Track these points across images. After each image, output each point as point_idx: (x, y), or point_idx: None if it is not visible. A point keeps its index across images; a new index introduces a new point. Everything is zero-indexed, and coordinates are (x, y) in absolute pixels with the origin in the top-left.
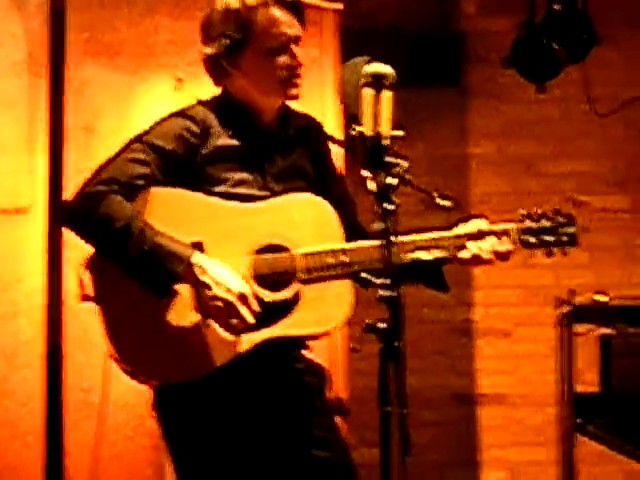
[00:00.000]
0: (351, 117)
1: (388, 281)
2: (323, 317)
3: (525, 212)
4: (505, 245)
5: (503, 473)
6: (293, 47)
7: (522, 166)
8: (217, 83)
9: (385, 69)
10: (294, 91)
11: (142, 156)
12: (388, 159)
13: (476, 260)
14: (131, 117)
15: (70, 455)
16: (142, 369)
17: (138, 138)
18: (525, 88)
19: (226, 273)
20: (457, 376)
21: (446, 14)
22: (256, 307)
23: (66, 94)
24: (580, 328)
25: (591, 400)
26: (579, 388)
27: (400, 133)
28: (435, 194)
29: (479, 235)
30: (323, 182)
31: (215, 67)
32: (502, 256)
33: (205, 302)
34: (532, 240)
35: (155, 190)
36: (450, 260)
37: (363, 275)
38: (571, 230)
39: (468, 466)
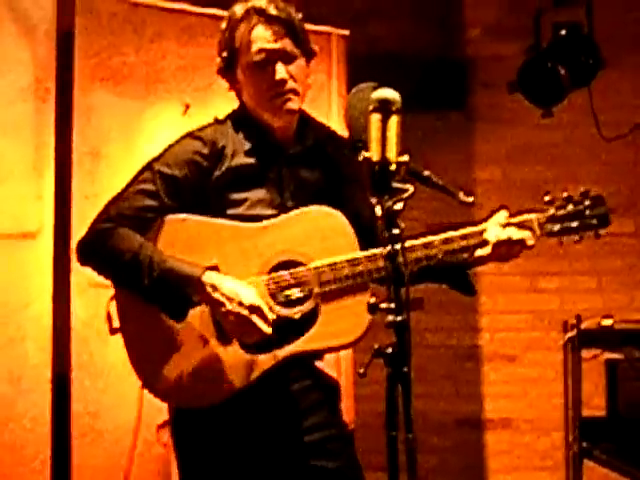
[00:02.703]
0: (358, 142)
1: (394, 305)
2: (343, 329)
3: (549, 198)
4: (522, 234)
5: None
6: (278, 62)
7: (528, 191)
8: (237, 96)
9: (392, 95)
10: (288, 105)
11: (151, 187)
12: (395, 184)
13: (495, 254)
14: (138, 142)
15: None
16: (168, 395)
17: (148, 166)
18: (531, 113)
19: (237, 287)
20: (464, 401)
21: (452, 39)
22: (271, 316)
23: (73, 119)
24: (586, 353)
25: (598, 424)
26: (586, 412)
27: (405, 159)
28: (457, 191)
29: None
30: (341, 193)
31: (228, 82)
32: (523, 246)
33: (221, 319)
34: (556, 228)
35: (168, 218)
36: (473, 263)
37: (371, 301)
38: (602, 211)
39: None
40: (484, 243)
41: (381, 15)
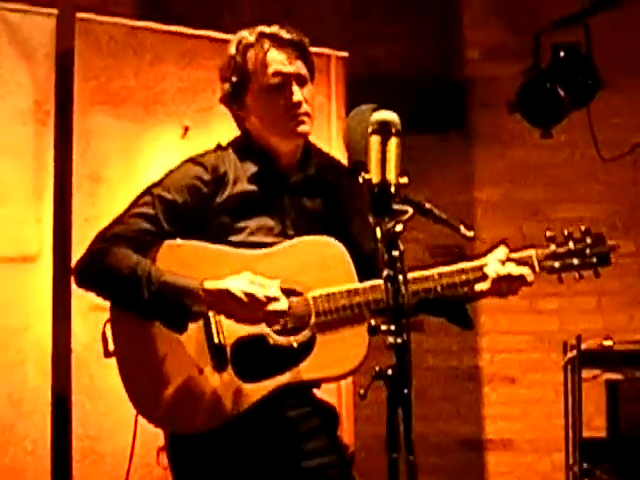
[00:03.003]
0: (358, 164)
1: (394, 327)
2: (339, 359)
3: (551, 234)
4: (522, 270)
5: None
6: (293, 84)
7: (528, 211)
8: (238, 125)
9: (392, 116)
10: (302, 128)
11: (150, 211)
12: (395, 206)
13: (494, 289)
14: (138, 165)
15: None
16: (163, 421)
17: (148, 190)
18: (530, 133)
19: (230, 282)
20: (464, 422)
21: (451, 60)
22: (276, 292)
23: (73, 142)
24: (587, 373)
25: (598, 445)
26: (586, 433)
27: (404, 181)
28: (458, 224)
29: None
30: (342, 222)
31: (231, 108)
32: (522, 283)
33: (233, 316)
34: (556, 265)
35: (165, 244)
36: (472, 297)
37: (372, 323)
38: (602, 250)
39: None
40: (484, 277)
41: (380, 37)
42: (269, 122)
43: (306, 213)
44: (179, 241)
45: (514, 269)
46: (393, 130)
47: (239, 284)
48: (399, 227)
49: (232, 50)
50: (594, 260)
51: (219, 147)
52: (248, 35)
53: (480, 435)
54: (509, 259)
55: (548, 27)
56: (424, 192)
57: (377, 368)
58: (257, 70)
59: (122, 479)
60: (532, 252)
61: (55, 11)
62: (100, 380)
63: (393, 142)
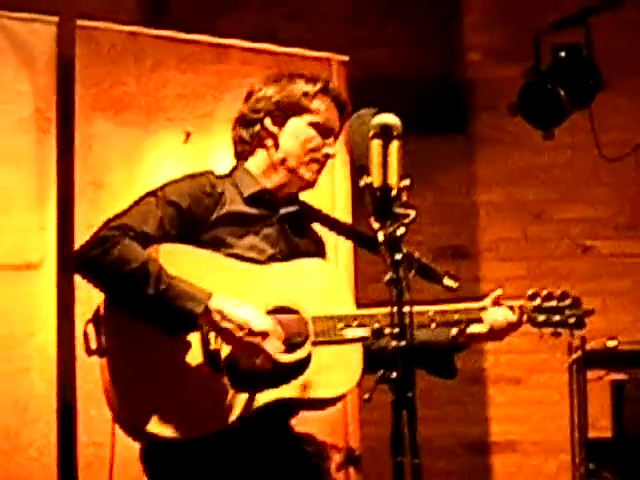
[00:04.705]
0: (359, 168)
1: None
2: (333, 381)
3: (532, 292)
4: (511, 318)
5: None
6: (331, 138)
7: (531, 212)
8: (246, 142)
9: (393, 120)
10: (310, 175)
11: (156, 210)
12: (397, 210)
13: (490, 333)
14: (140, 171)
15: None
16: (145, 425)
17: (153, 193)
18: (532, 134)
19: (246, 313)
20: (469, 424)
21: (452, 62)
22: (281, 339)
23: (75, 149)
24: (592, 374)
25: (604, 446)
26: (592, 434)
27: (407, 183)
28: (443, 273)
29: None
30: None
31: (253, 124)
32: (513, 329)
33: (230, 346)
34: (540, 318)
35: (164, 247)
36: (464, 346)
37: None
38: (579, 312)
39: None
40: (479, 320)
41: (381, 40)
42: (294, 154)
43: (292, 245)
44: (180, 245)
45: (510, 315)
46: (394, 133)
47: (251, 315)
48: (401, 230)
49: (298, 93)
50: (572, 320)
51: (213, 174)
52: (309, 78)
53: (486, 437)
54: (501, 304)
55: (548, 28)
56: (426, 195)
57: (381, 371)
58: (314, 107)
59: None
60: (521, 302)
61: (56, 18)
62: None
63: (394, 145)
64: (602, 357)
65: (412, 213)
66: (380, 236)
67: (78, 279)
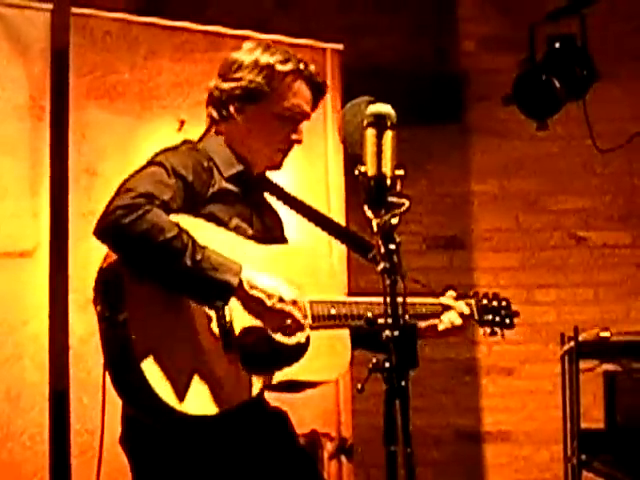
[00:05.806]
0: (353, 157)
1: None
2: (327, 366)
3: (472, 293)
4: (458, 319)
5: None
6: (301, 124)
7: (524, 203)
8: (216, 122)
9: (387, 109)
10: (280, 160)
11: (168, 180)
12: (391, 199)
13: (445, 331)
14: (134, 159)
15: None
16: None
17: (158, 163)
18: (526, 125)
19: (276, 283)
20: (461, 414)
21: (447, 52)
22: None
23: (69, 137)
24: (584, 364)
25: (596, 436)
26: (584, 424)
27: (401, 172)
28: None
29: (447, 308)
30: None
31: (221, 105)
32: (458, 330)
33: (259, 315)
34: (488, 317)
35: (184, 217)
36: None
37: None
38: (510, 313)
39: None
40: (437, 315)
41: (375, 29)
42: (258, 140)
43: (265, 225)
44: (186, 216)
45: (465, 308)
46: (388, 123)
47: (279, 285)
48: (395, 220)
49: (268, 61)
50: (507, 321)
51: (188, 142)
52: (285, 61)
53: (478, 427)
54: (451, 307)
55: (543, 19)
56: (420, 184)
57: (374, 360)
58: (284, 96)
59: (120, 473)
60: (472, 301)
61: (50, 6)
62: (98, 374)
63: (388, 135)
64: (595, 348)
65: (406, 203)
66: (374, 225)
67: (72, 266)
